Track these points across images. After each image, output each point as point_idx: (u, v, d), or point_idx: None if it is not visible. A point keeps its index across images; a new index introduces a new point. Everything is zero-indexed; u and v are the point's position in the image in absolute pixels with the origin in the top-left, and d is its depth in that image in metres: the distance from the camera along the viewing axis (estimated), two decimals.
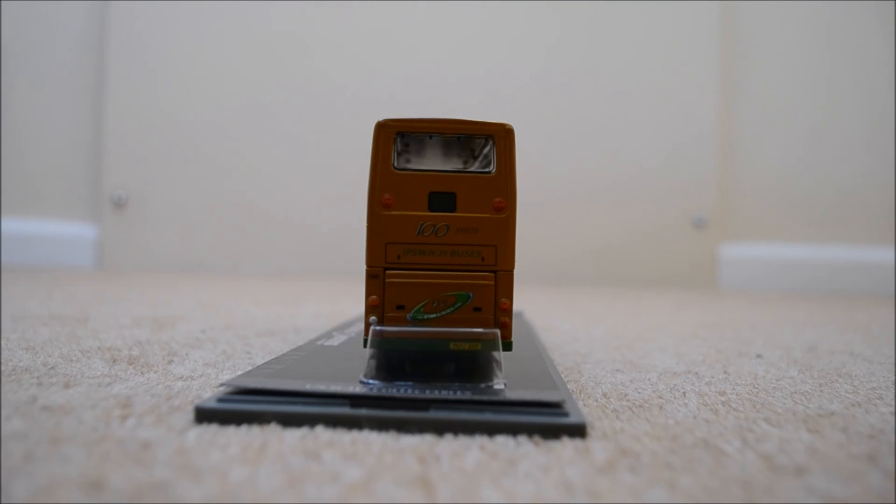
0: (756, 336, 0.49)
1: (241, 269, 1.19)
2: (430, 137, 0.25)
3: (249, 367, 0.30)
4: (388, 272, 0.24)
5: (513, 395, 0.22)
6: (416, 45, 1.20)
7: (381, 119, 0.24)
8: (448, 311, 0.24)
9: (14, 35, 1.18)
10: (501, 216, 0.24)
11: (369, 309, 0.24)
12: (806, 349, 0.43)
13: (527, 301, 0.76)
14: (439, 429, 0.20)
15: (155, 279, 0.93)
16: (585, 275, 1.22)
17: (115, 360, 0.30)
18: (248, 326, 0.45)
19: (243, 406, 0.20)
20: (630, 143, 1.22)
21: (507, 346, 0.24)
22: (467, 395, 0.21)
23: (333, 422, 0.20)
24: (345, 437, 0.19)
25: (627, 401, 0.26)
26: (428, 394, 0.21)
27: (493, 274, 0.24)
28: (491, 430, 0.20)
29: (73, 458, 0.17)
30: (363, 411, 0.20)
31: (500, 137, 0.24)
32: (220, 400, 0.21)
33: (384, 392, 0.22)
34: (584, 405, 0.25)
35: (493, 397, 0.21)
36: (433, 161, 0.26)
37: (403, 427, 0.20)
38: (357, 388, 0.22)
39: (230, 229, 1.20)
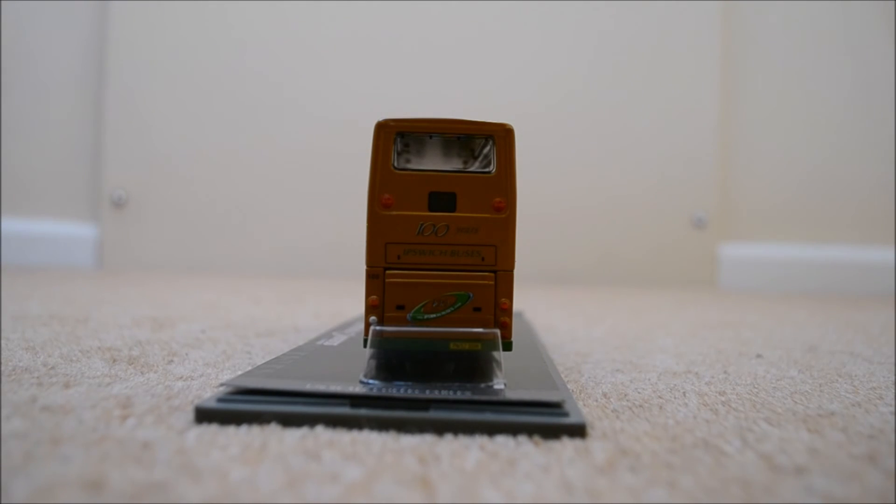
0: (756, 336, 0.49)
1: (241, 269, 1.19)
2: (430, 137, 0.25)
3: (249, 367, 0.30)
4: (388, 272, 0.24)
5: (513, 395, 0.22)
6: (416, 45, 1.20)
7: (381, 119, 0.24)
8: (448, 311, 0.24)
9: (14, 35, 1.18)
10: (501, 216, 0.24)
11: (369, 309, 0.24)
12: (806, 349, 0.43)
13: (527, 301, 0.76)
14: (439, 429, 0.20)
15: (155, 279, 0.93)
16: (585, 275, 1.22)
17: (115, 360, 0.30)
18: (248, 326, 0.45)
19: (243, 406, 0.20)
20: (630, 142, 1.22)
21: (507, 346, 0.24)
22: (467, 395, 0.21)
23: (333, 422, 0.20)
24: (345, 437, 0.19)
25: (627, 401, 0.26)
26: (428, 394, 0.21)
27: (493, 274, 0.24)
28: (491, 430, 0.20)
29: (73, 458, 0.17)
30: (363, 411, 0.20)
31: (500, 137, 0.24)
32: (220, 400, 0.21)
33: (384, 392, 0.22)
34: (584, 405, 0.25)
35: (493, 397, 0.21)
36: (433, 161, 0.26)
37: (403, 427, 0.20)
38: (357, 388, 0.22)
39: (230, 229, 1.20)
